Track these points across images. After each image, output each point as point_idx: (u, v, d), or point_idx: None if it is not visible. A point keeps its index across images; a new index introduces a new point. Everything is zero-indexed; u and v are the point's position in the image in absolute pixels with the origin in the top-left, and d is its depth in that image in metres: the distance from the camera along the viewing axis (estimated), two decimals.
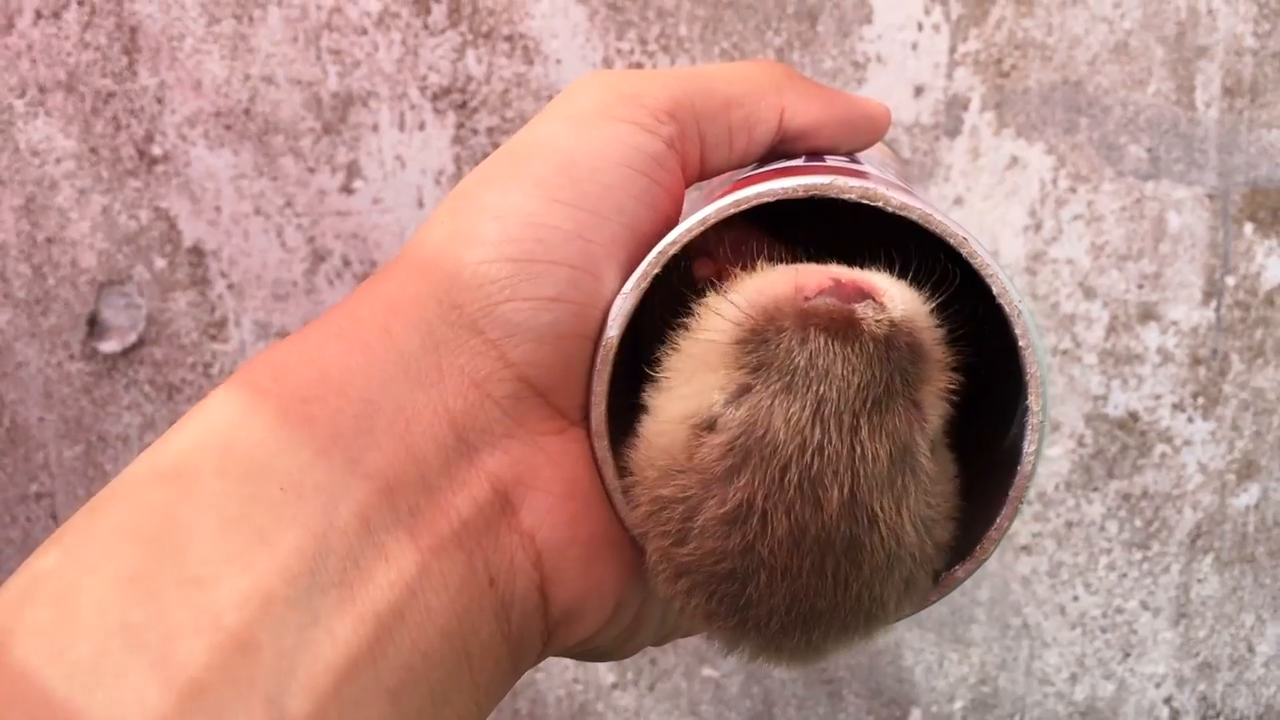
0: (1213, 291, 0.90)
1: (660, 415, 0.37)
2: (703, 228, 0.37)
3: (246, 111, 0.90)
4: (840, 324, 0.34)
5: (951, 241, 0.37)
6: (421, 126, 0.90)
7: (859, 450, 0.34)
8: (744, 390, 0.35)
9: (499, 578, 0.36)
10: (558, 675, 0.99)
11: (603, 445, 0.38)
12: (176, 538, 0.32)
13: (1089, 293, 0.90)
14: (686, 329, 0.38)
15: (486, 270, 0.36)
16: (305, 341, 0.36)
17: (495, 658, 0.36)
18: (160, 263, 0.92)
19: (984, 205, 0.90)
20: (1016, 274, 0.90)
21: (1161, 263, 0.90)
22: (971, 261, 0.37)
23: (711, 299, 0.37)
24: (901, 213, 0.37)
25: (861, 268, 0.37)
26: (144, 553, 0.31)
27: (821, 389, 0.34)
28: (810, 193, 0.37)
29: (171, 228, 0.92)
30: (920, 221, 0.37)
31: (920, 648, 0.98)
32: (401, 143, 0.90)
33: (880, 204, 0.37)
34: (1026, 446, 0.38)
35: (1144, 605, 0.97)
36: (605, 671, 0.99)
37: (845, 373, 0.34)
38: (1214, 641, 0.97)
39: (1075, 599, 0.96)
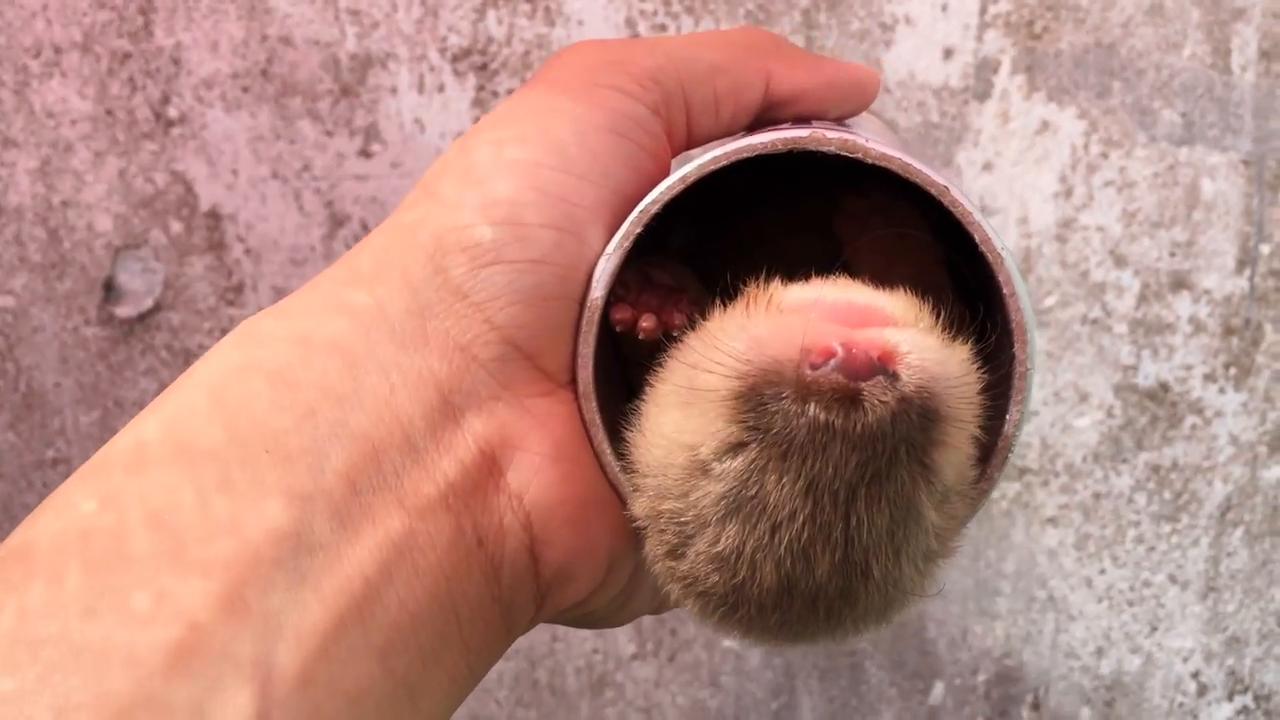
0: (1246, 260, 0.89)
1: (659, 423, 0.37)
2: (683, 185, 0.38)
3: (264, 73, 0.89)
4: (843, 403, 0.33)
5: (932, 191, 0.37)
6: (441, 89, 0.89)
7: (854, 520, 0.33)
8: (739, 446, 0.34)
9: (487, 539, 0.36)
10: (576, 646, 0.99)
11: (591, 407, 0.38)
12: (161, 501, 0.32)
13: (1120, 261, 0.89)
14: (679, 351, 0.37)
15: (471, 234, 0.37)
16: (292, 306, 0.37)
17: (486, 619, 0.37)
18: (177, 227, 0.92)
19: (1014, 171, 0.88)
20: (1046, 241, 0.88)
21: (1194, 230, 0.88)
22: (953, 210, 0.37)
23: (709, 337, 0.36)
24: (881, 163, 0.37)
25: (881, 285, 0.36)
26: (130, 517, 0.32)
27: (816, 465, 0.33)
28: (789, 146, 0.38)
29: (188, 191, 0.91)
30: (900, 172, 0.37)
31: (944, 620, 0.97)
32: (421, 105, 0.89)
33: (859, 155, 0.37)
34: (1013, 396, 0.38)
35: (1172, 579, 0.95)
36: (625, 642, 0.99)
37: (844, 451, 0.33)
38: (1243, 615, 0.96)
39: (1102, 572, 0.95)
